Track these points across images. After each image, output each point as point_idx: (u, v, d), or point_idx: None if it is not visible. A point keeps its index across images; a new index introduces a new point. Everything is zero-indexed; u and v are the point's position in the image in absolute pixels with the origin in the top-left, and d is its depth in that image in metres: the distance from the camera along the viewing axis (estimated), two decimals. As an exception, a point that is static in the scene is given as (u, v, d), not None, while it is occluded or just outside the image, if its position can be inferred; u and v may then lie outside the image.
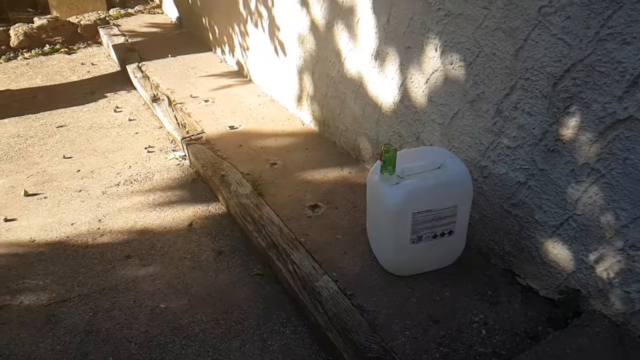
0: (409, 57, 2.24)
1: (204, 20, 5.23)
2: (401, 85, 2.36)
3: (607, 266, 1.63)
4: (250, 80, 4.37)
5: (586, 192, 1.62)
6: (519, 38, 1.67)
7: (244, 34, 4.16)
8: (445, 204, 1.84)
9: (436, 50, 2.06)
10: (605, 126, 1.50)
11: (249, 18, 3.96)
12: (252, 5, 3.79)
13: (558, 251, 1.78)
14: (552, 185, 1.72)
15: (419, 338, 1.75)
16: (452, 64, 2.00)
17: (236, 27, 4.32)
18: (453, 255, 2.06)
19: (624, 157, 1.47)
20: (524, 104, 1.73)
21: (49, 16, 6.36)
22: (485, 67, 1.84)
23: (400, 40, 2.27)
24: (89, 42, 6.01)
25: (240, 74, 4.56)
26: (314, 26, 3.00)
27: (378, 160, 1.89)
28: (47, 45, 5.70)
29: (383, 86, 2.50)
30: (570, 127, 1.60)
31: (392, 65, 2.38)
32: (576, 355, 1.57)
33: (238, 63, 4.56)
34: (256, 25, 3.85)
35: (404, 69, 2.31)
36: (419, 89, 2.24)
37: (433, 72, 2.12)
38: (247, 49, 4.20)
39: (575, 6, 1.47)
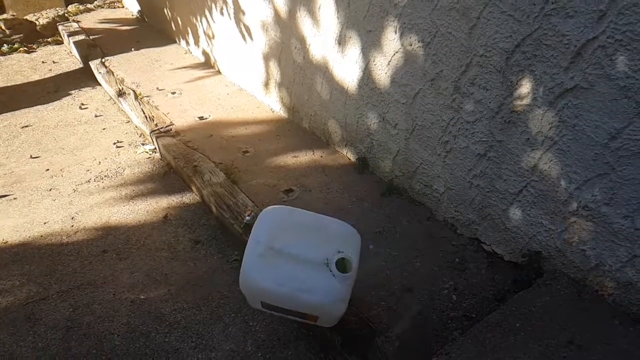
0: (371, 41, 2.30)
1: (166, 11, 5.15)
2: (365, 68, 2.41)
3: (563, 227, 1.74)
4: (217, 71, 4.35)
5: (541, 159, 1.72)
6: (472, 17, 1.75)
7: (209, 24, 4.13)
8: None
9: (396, 33, 2.12)
10: (554, 96, 1.59)
11: (212, 7, 3.93)
12: (215, -5, 3.77)
13: (519, 217, 1.89)
14: (510, 155, 1.82)
15: (393, 307, 1.83)
16: (411, 45, 2.06)
17: (200, 17, 4.28)
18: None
19: (573, 123, 1.57)
20: (480, 79, 1.81)
21: (4, 15, 6.14)
22: (443, 46, 1.91)
23: (362, 24, 2.32)
24: (48, 40, 5.84)
25: (206, 64, 4.53)
26: (277, 13, 3.02)
27: None
28: (5, 45, 5.51)
29: (348, 70, 2.55)
30: (523, 98, 1.69)
31: (355, 49, 2.43)
32: (540, 311, 1.68)
33: (204, 53, 4.53)
34: (221, 14, 3.83)
35: (366, 52, 2.36)
36: (382, 70, 2.30)
37: (394, 54, 2.18)
38: (213, 38, 4.17)
39: (521, -17, 1.55)
